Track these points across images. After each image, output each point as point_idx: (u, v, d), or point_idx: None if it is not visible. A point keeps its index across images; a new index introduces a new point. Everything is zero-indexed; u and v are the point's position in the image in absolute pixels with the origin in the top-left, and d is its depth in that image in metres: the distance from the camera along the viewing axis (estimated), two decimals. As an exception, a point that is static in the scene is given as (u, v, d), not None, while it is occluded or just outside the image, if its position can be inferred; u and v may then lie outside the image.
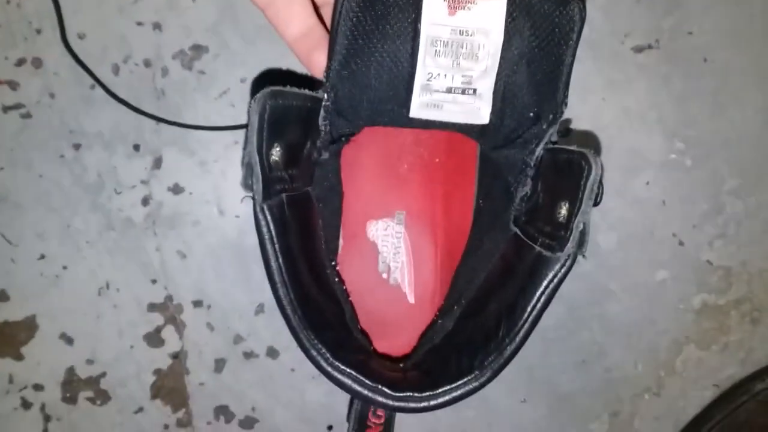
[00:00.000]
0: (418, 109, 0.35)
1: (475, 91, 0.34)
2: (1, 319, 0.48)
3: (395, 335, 0.42)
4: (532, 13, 0.32)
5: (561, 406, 0.51)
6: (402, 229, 0.45)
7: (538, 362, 0.50)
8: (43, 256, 0.48)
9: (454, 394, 0.33)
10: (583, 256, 0.32)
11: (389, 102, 0.35)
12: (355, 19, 0.32)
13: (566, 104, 0.34)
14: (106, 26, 0.46)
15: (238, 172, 0.47)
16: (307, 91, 0.33)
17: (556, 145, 0.35)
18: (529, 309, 0.33)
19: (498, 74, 0.33)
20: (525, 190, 0.37)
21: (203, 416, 0.50)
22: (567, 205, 0.32)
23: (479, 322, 0.36)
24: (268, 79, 0.47)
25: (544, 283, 0.33)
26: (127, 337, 0.49)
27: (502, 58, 0.33)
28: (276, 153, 0.31)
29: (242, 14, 0.47)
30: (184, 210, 0.48)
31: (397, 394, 0.33)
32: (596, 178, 0.30)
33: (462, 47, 0.32)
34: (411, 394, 0.33)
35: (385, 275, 0.45)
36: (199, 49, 0.47)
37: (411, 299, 0.44)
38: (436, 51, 0.33)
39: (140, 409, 0.49)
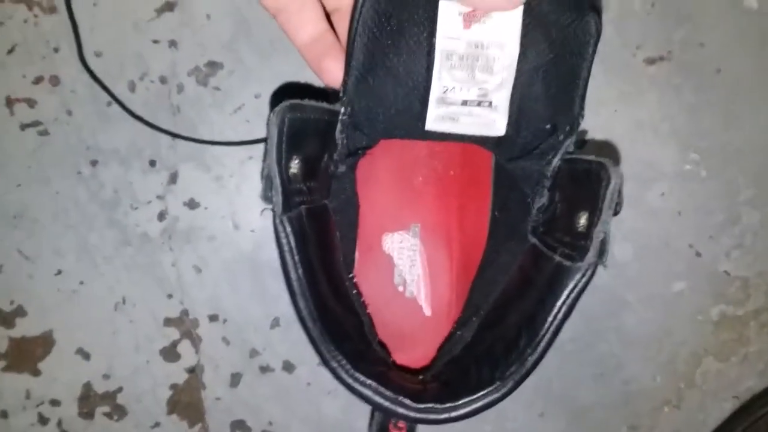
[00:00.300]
0: (433, 122, 0.35)
1: (490, 103, 0.34)
2: (18, 335, 0.48)
3: (413, 347, 0.42)
4: (547, 25, 0.32)
5: (579, 420, 0.51)
6: (417, 242, 0.45)
7: (555, 375, 0.50)
8: (60, 272, 0.48)
9: (476, 405, 0.33)
10: (604, 265, 0.32)
11: (405, 115, 0.35)
12: (370, 34, 0.32)
13: (583, 116, 0.34)
14: (122, 44, 0.47)
15: (253, 187, 0.48)
16: (324, 104, 0.33)
17: (573, 155, 0.35)
18: (550, 319, 0.33)
19: (514, 87, 0.33)
20: (542, 200, 0.37)
21: (220, 431, 0.50)
22: (586, 214, 0.32)
23: (499, 333, 0.36)
24: (285, 93, 0.48)
25: (565, 292, 0.33)
26: (143, 352, 0.49)
27: (517, 70, 0.33)
28: (295, 165, 0.31)
29: (256, 30, 0.47)
30: (200, 225, 0.48)
31: (419, 406, 0.33)
32: (616, 187, 0.30)
33: (477, 60, 0.32)
34: (432, 405, 0.33)
35: (401, 288, 0.45)
36: (214, 66, 0.48)
37: (427, 312, 0.44)
38: (451, 64, 0.33)
39: (157, 424, 0.49)
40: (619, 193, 0.31)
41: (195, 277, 0.48)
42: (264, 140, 0.46)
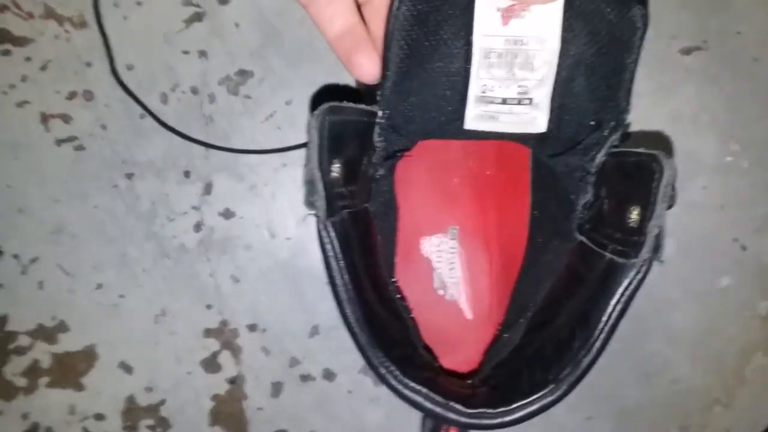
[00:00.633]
0: (473, 121, 0.35)
1: (531, 100, 0.33)
2: (61, 350, 0.49)
3: (456, 351, 0.41)
4: (589, 17, 0.31)
5: (628, 422, 0.50)
6: (456, 244, 0.44)
7: (600, 377, 0.49)
8: (100, 286, 0.48)
9: (530, 409, 0.32)
10: (660, 261, 0.31)
11: (444, 115, 0.35)
12: (407, 37, 0.32)
13: (629, 111, 0.33)
14: (153, 57, 0.47)
15: (287, 195, 0.48)
16: (362, 106, 0.33)
17: (619, 149, 0.34)
18: (604, 318, 0.32)
19: (555, 82, 0.33)
20: (587, 197, 0.36)
21: (263, 441, 0.50)
22: (638, 209, 0.31)
23: (549, 335, 0.35)
24: (320, 97, 0.48)
25: (620, 290, 0.32)
26: (184, 364, 0.49)
27: (558, 65, 0.32)
28: (336, 169, 0.31)
29: (285, 37, 0.47)
30: (236, 234, 0.48)
31: (470, 411, 0.32)
32: (670, 180, 0.30)
33: (517, 57, 0.32)
34: (484, 410, 0.32)
35: (441, 292, 0.44)
36: (244, 74, 0.47)
37: (469, 315, 0.44)
38: (490, 62, 0.32)
39: (199, 436, 0.49)
40: (673, 186, 0.30)
41: (233, 287, 0.48)
42: (297, 147, 0.47)
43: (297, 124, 0.48)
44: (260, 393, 0.49)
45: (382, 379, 0.32)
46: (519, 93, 0.33)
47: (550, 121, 0.34)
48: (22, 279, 0.48)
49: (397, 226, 0.43)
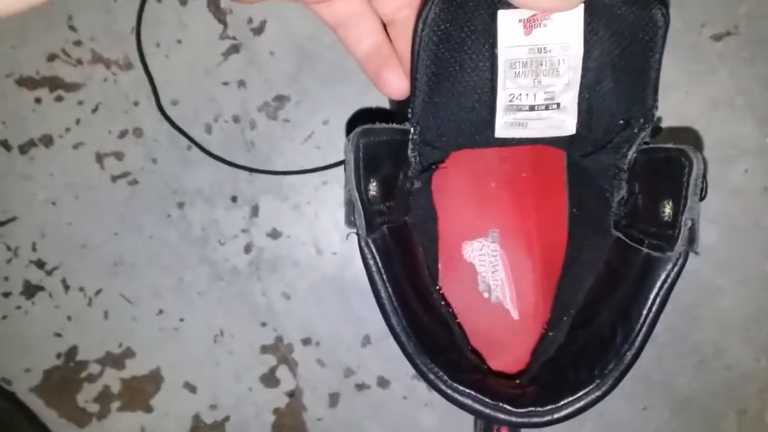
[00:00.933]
0: (502, 130, 0.36)
1: (558, 105, 0.34)
2: (129, 375, 0.51)
3: (505, 352, 0.42)
4: (611, 21, 0.31)
5: (684, 410, 0.49)
6: (497, 247, 0.45)
7: (653, 368, 0.49)
8: (161, 312, 0.51)
9: (577, 405, 0.33)
10: (696, 252, 0.32)
11: (474, 126, 0.36)
12: (432, 56, 0.32)
13: (657, 108, 0.34)
14: (195, 90, 0.50)
15: (330, 211, 0.49)
16: (395, 125, 0.34)
17: (650, 145, 0.35)
18: (645, 312, 0.32)
19: (581, 85, 0.33)
20: (621, 193, 0.36)
21: (324, 451, 0.51)
22: (671, 203, 0.31)
23: (592, 331, 0.36)
24: (356, 119, 0.49)
25: (658, 284, 0.32)
26: (244, 381, 0.51)
27: (583, 69, 0.32)
28: (373, 188, 0.32)
29: (317, 60, 0.49)
30: (284, 253, 0.50)
31: (519, 410, 0.33)
32: (699, 173, 0.30)
33: (542, 65, 0.32)
34: (533, 409, 0.33)
35: (486, 294, 0.45)
36: (281, 99, 0.49)
37: (515, 315, 0.44)
38: (515, 72, 0.33)
39: (264, 449, 0.51)
40: (704, 177, 0.30)
41: (285, 304, 0.50)
42: (335, 165, 0.48)
43: (334, 142, 0.49)
44: (318, 404, 0.51)
45: (432, 385, 0.33)
46: (546, 99, 0.34)
47: (579, 123, 0.35)
48: (89, 310, 0.51)
49: (437, 234, 0.44)
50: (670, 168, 0.31)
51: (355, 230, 0.32)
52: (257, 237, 0.50)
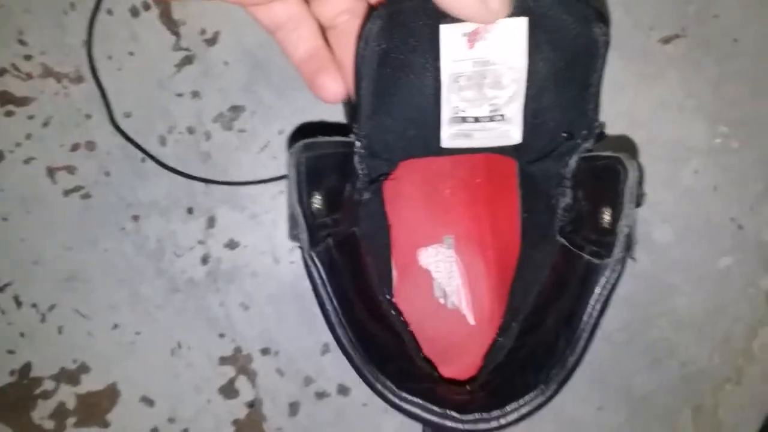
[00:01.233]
0: (448, 140, 0.36)
1: (503, 116, 0.34)
2: (84, 390, 0.50)
3: (460, 358, 0.42)
4: (554, 36, 0.32)
5: (640, 408, 0.50)
6: (452, 253, 0.45)
7: (609, 367, 0.49)
8: (116, 326, 0.50)
9: (523, 411, 0.33)
10: (633, 258, 0.32)
11: (420, 137, 0.36)
12: (375, 74, 0.33)
13: (598, 121, 0.34)
14: (148, 102, 0.49)
15: (287, 222, 0.49)
16: (338, 138, 0.34)
17: (591, 153, 0.35)
18: (585, 318, 0.33)
19: (526, 97, 0.33)
20: (566, 200, 0.37)
21: (286, 460, 0.51)
22: (609, 210, 0.32)
23: (539, 336, 0.36)
24: (303, 131, 0.49)
25: (597, 290, 0.32)
26: (204, 392, 0.50)
27: (528, 80, 0.33)
28: (317, 201, 0.32)
29: (272, 70, 0.49)
30: (242, 263, 0.50)
31: (466, 417, 0.33)
32: (634, 180, 0.30)
33: (485, 77, 0.33)
34: (480, 415, 0.33)
35: (442, 300, 0.45)
36: (236, 110, 0.49)
37: (471, 320, 0.45)
38: (459, 86, 0.33)
39: (225, 461, 0.51)
40: (640, 185, 0.31)
41: (243, 314, 0.50)
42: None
43: (291, 151, 0.49)
44: (279, 413, 0.50)
45: (379, 395, 0.33)
46: (491, 111, 0.34)
47: (525, 131, 0.35)
48: (42, 326, 0.50)
49: (391, 242, 0.44)
50: (608, 175, 0.32)
51: (298, 244, 0.32)
52: (214, 248, 0.50)
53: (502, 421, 0.33)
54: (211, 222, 0.50)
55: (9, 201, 0.49)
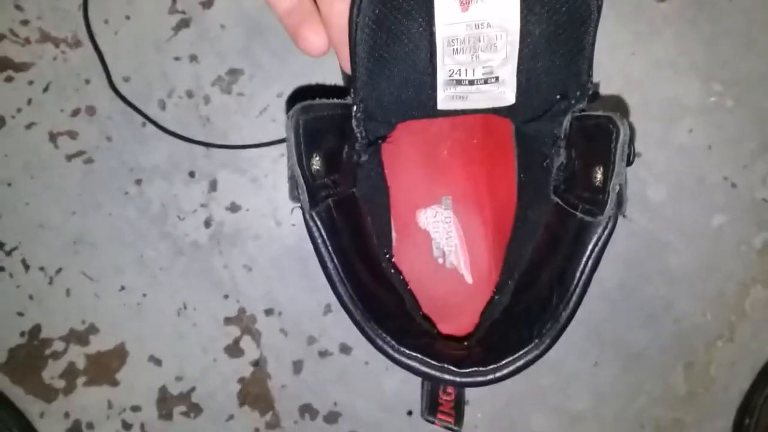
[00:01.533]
0: (444, 102, 0.36)
1: (497, 78, 0.35)
2: (93, 351, 0.52)
3: (458, 316, 0.43)
4: None
5: (634, 364, 0.51)
6: (450, 214, 0.46)
7: (605, 324, 0.51)
8: (123, 288, 0.51)
9: (517, 364, 0.34)
10: (623, 215, 0.33)
11: (416, 100, 0.36)
12: (370, 39, 0.33)
13: (591, 83, 0.35)
14: (147, 66, 0.49)
15: (287, 184, 0.50)
16: (336, 100, 0.35)
17: (583, 113, 0.36)
18: (578, 275, 0.33)
19: (519, 59, 0.34)
20: (560, 159, 0.37)
21: (290, 416, 0.52)
22: (601, 169, 0.32)
23: (534, 293, 0.37)
24: (300, 94, 0.50)
25: (590, 247, 0.33)
26: (209, 352, 0.52)
27: (521, 43, 0.33)
28: (316, 162, 0.33)
29: (269, 32, 0.49)
30: (244, 226, 0.51)
31: (463, 371, 0.34)
32: (625, 139, 0.31)
33: (479, 40, 0.33)
34: (476, 369, 0.34)
35: (440, 260, 0.46)
36: (235, 73, 0.50)
37: (469, 279, 0.46)
38: (453, 49, 0.33)
39: (231, 417, 0.52)
40: (630, 143, 0.31)
41: (246, 276, 0.51)
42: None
43: (290, 115, 0.50)
44: (283, 372, 0.52)
45: (379, 350, 0.34)
46: (484, 73, 0.34)
47: (518, 93, 0.35)
48: (50, 289, 0.51)
49: (390, 203, 0.45)
50: (600, 135, 0.32)
51: (299, 205, 0.33)
52: (216, 211, 0.51)
53: (498, 374, 0.34)
54: (212, 185, 0.50)
55: (13, 166, 0.50)
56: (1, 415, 0.50)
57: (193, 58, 0.50)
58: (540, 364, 0.34)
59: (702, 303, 0.51)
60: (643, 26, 0.49)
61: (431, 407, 0.41)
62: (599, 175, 0.33)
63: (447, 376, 0.34)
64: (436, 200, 0.46)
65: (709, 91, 0.49)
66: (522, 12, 0.32)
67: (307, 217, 0.33)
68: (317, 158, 0.33)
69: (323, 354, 0.52)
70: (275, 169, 0.50)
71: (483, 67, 0.34)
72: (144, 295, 0.51)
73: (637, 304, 0.51)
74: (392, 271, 0.43)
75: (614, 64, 0.49)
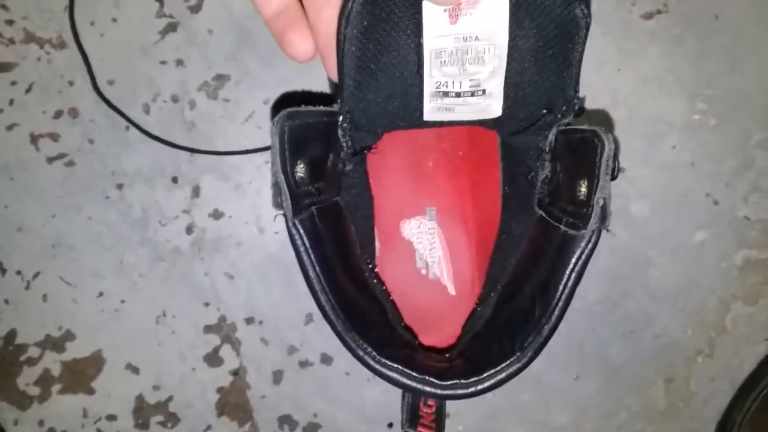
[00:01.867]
0: (430, 113, 0.36)
1: (484, 91, 0.35)
2: (69, 357, 0.51)
3: (440, 327, 0.43)
4: (536, 14, 0.32)
5: (615, 379, 0.51)
6: (434, 225, 0.46)
7: (586, 338, 0.51)
8: (101, 294, 0.50)
9: (499, 377, 0.34)
10: (607, 229, 0.33)
11: (403, 110, 0.36)
12: (357, 51, 0.32)
13: (578, 98, 0.35)
14: (132, 70, 0.49)
15: (271, 191, 0.49)
16: (322, 108, 0.35)
17: (569, 126, 0.36)
18: (561, 287, 0.34)
19: (506, 72, 0.34)
20: (545, 172, 0.38)
21: (269, 427, 0.52)
22: (586, 182, 0.32)
23: (516, 306, 0.37)
24: (286, 100, 0.49)
25: (573, 260, 0.33)
26: (188, 360, 0.51)
27: (509, 56, 0.33)
28: (300, 170, 0.33)
29: (257, 38, 0.49)
30: (226, 233, 0.50)
31: (444, 383, 0.34)
32: (610, 153, 0.31)
33: (467, 53, 0.33)
34: (457, 381, 0.34)
35: (424, 271, 0.46)
36: (221, 78, 0.49)
37: (452, 291, 0.46)
38: (441, 61, 0.33)
39: (209, 427, 0.52)
40: (615, 158, 0.31)
41: (228, 284, 0.50)
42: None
43: (276, 122, 0.49)
44: (262, 382, 0.51)
45: (360, 360, 0.34)
46: (472, 86, 0.34)
47: (505, 106, 0.36)
48: (27, 294, 0.50)
49: (374, 213, 0.44)
50: (585, 149, 0.32)
51: (282, 212, 0.33)
52: (199, 217, 0.50)
53: (479, 387, 0.34)
54: (195, 192, 0.50)
55: (-8, 168, 0.49)
56: (-26, 421, 0.49)
57: (180, 62, 0.49)
58: (521, 378, 0.34)
59: (683, 318, 0.51)
60: (630, 43, 0.49)
61: (412, 419, 0.40)
62: (583, 189, 0.33)
63: (428, 388, 0.34)
64: (420, 211, 0.46)
65: (693, 108, 0.49)
66: (511, 26, 0.32)
67: (290, 224, 0.33)
68: (302, 165, 0.33)
69: (304, 364, 0.51)
70: (259, 176, 0.50)
71: (470, 80, 0.34)
72: (122, 301, 0.50)
73: (619, 318, 0.51)
74: (375, 281, 0.42)
75: (600, 80, 0.49)
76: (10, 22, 0.48)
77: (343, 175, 0.39)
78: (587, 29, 0.32)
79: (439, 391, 0.34)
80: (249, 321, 0.51)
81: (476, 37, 0.32)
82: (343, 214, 0.39)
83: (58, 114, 0.49)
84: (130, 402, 0.51)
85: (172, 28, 0.49)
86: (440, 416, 0.41)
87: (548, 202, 0.38)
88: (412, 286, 0.45)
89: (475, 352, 0.38)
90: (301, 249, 0.33)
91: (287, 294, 0.50)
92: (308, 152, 0.33)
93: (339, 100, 0.35)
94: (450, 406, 0.44)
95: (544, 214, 0.38)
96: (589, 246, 0.33)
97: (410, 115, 0.37)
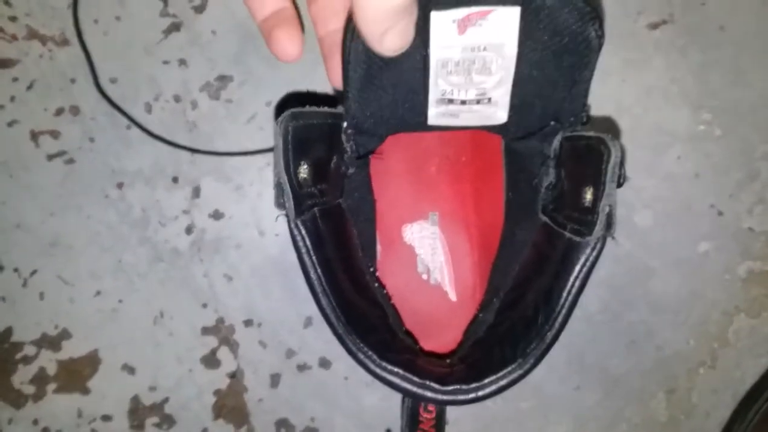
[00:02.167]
0: (435, 118, 0.36)
1: (490, 99, 0.34)
2: (65, 357, 0.50)
3: (441, 333, 0.43)
4: (547, 29, 0.31)
5: (616, 389, 0.51)
6: (436, 230, 0.46)
7: (587, 348, 0.50)
8: (98, 293, 0.50)
9: (500, 383, 0.33)
10: (612, 237, 0.33)
11: (407, 115, 0.36)
12: (363, 64, 0.32)
13: (585, 112, 0.35)
14: (135, 69, 0.49)
15: (272, 193, 0.49)
16: (326, 109, 0.34)
17: (574, 133, 0.35)
18: (564, 294, 0.33)
19: (513, 83, 0.33)
20: (549, 179, 0.37)
21: (265, 431, 0.51)
22: (591, 189, 0.32)
23: (518, 312, 0.37)
24: (290, 101, 0.49)
25: (577, 267, 0.33)
26: (185, 362, 0.51)
27: (516, 67, 0.33)
28: (304, 170, 0.32)
29: (261, 41, 0.48)
30: (226, 234, 0.50)
31: (445, 388, 0.34)
32: (616, 160, 0.31)
33: (474, 63, 0.32)
34: (458, 387, 0.34)
35: (425, 276, 0.45)
36: (224, 79, 0.49)
37: (453, 297, 0.45)
38: (447, 71, 0.33)
39: (205, 430, 0.51)
40: (621, 165, 0.31)
41: (227, 285, 0.50)
42: (277, 148, 0.48)
43: (278, 124, 0.49)
44: (260, 385, 0.51)
45: (361, 364, 0.34)
46: (477, 95, 0.34)
47: (511, 113, 0.35)
48: (24, 291, 0.50)
49: (376, 217, 0.44)
50: (591, 155, 0.32)
51: (284, 212, 0.32)
52: (199, 218, 0.50)
53: (480, 393, 0.34)
54: (196, 192, 0.49)
55: (-9, 164, 0.49)
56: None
57: (183, 62, 0.49)
58: (521, 387, 0.34)
59: (685, 330, 0.50)
60: (635, 53, 0.49)
61: (411, 425, 0.40)
62: (589, 196, 0.32)
63: (428, 394, 0.34)
64: (422, 216, 0.46)
65: (698, 119, 0.49)
66: (520, 38, 0.31)
67: (292, 225, 0.32)
68: (305, 166, 0.32)
69: (302, 368, 0.51)
70: (261, 177, 0.49)
71: (476, 89, 0.34)
72: (120, 301, 0.50)
73: (620, 329, 0.50)
74: (376, 285, 0.42)
75: (605, 90, 0.49)
76: (13, 19, 0.48)
77: (346, 178, 0.39)
78: (600, 48, 0.32)
79: (439, 397, 0.34)
80: (247, 323, 0.50)
81: (484, 47, 0.32)
82: (345, 216, 0.39)
83: (59, 111, 0.49)
84: (125, 403, 0.51)
85: (175, 27, 0.49)
86: (440, 422, 0.40)
87: (552, 208, 0.37)
88: (413, 291, 0.45)
89: (476, 358, 0.38)
90: (303, 250, 0.33)
91: (286, 297, 0.50)
92: (312, 153, 0.33)
93: (344, 109, 0.35)
94: (449, 413, 0.43)
95: (548, 221, 0.37)
96: (594, 253, 0.32)
97: (414, 120, 0.36)
